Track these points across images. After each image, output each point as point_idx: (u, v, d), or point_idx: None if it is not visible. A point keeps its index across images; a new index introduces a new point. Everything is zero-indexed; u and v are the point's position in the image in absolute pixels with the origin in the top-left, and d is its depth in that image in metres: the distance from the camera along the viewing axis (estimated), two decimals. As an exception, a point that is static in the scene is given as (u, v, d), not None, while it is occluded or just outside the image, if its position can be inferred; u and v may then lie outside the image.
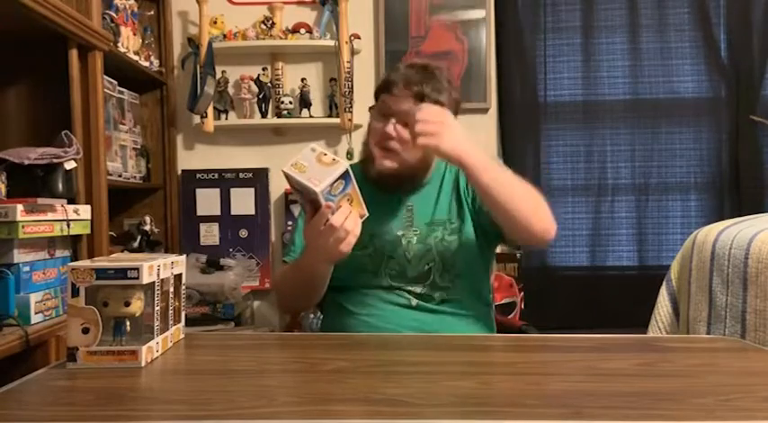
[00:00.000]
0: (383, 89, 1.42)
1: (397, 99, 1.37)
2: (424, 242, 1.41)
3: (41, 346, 1.30)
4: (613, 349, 1.05)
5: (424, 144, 1.23)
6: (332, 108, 2.71)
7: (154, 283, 0.92)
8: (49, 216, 1.35)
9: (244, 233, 2.71)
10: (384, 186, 1.41)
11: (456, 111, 1.40)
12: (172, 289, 1.01)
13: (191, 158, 2.77)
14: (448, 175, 1.48)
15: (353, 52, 2.68)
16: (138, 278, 0.87)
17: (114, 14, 2.18)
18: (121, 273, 0.87)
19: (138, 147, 2.45)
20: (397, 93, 1.37)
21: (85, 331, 0.87)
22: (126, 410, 0.74)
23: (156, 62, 2.57)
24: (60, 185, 1.42)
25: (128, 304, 0.89)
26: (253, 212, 2.71)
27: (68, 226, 1.40)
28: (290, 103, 2.68)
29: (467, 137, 1.24)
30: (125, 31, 2.26)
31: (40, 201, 1.33)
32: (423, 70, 1.40)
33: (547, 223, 1.34)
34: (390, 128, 1.36)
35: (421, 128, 1.21)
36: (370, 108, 1.46)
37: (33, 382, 0.85)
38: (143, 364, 0.88)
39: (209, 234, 2.71)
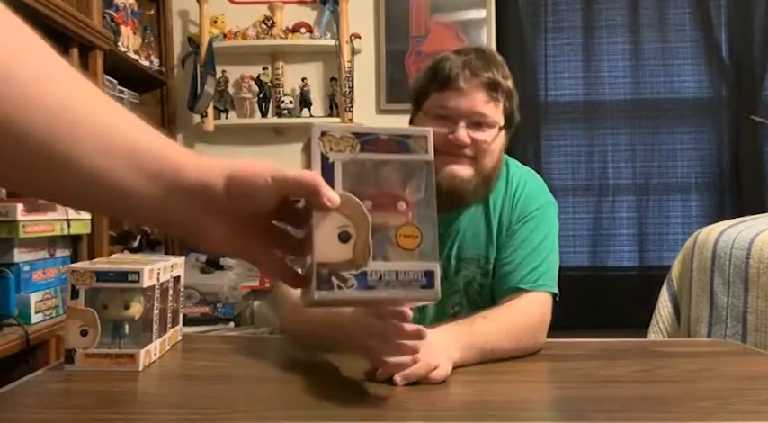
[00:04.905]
0: (439, 84, 1.11)
1: (463, 94, 1.08)
2: (451, 280, 1.16)
3: (42, 345, 1.31)
4: (614, 355, 1.05)
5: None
6: (332, 108, 2.71)
7: (154, 286, 0.92)
8: (50, 215, 1.35)
9: (244, 233, 2.70)
10: (454, 200, 1.10)
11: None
12: (171, 291, 1.00)
13: (191, 158, 2.76)
14: (492, 200, 1.18)
15: (354, 52, 2.67)
16: (138, 281, 0.87)
17: (114, 14, 2.18)
18: (122, 276, 0.87)
19: (139, 146, 2.45)
20: (464, 85, 1.08)
21: (84, 333, 0.87)
22: (123, 414, 0.74)
23: (156, 61, 2.57)
24: (60, 185, 1.42)
25: (127, 307, 0.88)
26: (253, 212, 2.71)
27: (68, 225, 1.40)
28: (291, 102, 2.68)
29: (446, 341, 0.91)
30: (125, 31, 2.26)
31: (41, 200, 1.33)
32: (482, 54, 1.13)
33: (535, 346, 1.04)
34: (463, 133, 1.08)
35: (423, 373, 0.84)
36: (418, 109, 1.16)
37: (30, 384, 0.85)
38: (141, 367, 0.88)
39: (210, 233, 2.70)
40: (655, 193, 2.69)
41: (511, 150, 2.64)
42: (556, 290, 1.12)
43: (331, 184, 0.52)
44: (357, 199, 0.53)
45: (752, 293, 1.51)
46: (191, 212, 0.50)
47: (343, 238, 0.52)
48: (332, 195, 0.51)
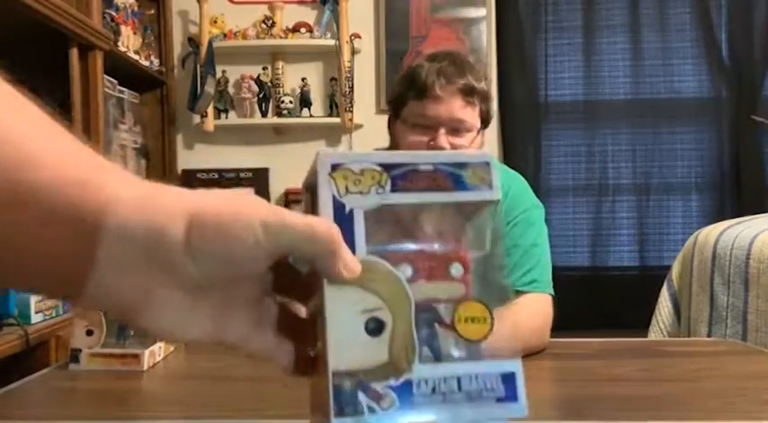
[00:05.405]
0: (416, 92, 1.12)
1: (440, 101, 1.10)
2: None
3: (42, 345, 1.31)
4: (615, 354, 1.05)
5: None
6: (332, 107, 2.71)
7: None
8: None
9: (244, 233, 2.70)
10: None
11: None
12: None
13: (191, 158, 2.76)
14: None
15: (354, 52, 2.67)
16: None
17: (114, 14, 2.17)
18: None
19: (138, 146, 2.45)
20: (440, 92, 1.09)
21: (89, 333, 0.88)
22: (127, 413, 0.74)
23: (156, 61, 2.57)
24: (61, 186, 1.42)
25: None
26: (253, 212, 2.71)
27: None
28: (291, 102, 2.68)
29: None
30: (125, 31, 2.26)
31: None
32: (456, 59, 1.14)
33: (540, 346, 1.05)
34: (444, 141, 1.10)
35: None
36: (395, 118, 1.18)
37: (36, 382, 0.85)
38: (145, 367, 0.88)
39: (210, 233, 2.70)
40: (655, 193, 2.69)
41: (511, 150, 2.68)
42: (552, 292, 1.13)
43: (350, 243, 0.34)
44: (389, 265, 0.35)
45: (752, 293, 1.51)
46: (126, 277, 0.31)
47: (373, 328, 0.34)
48: (350, 260, 0.34)
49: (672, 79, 2.68)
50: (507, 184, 1.21)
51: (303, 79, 2.70)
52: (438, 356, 0.35)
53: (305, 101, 2.68)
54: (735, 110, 2.65)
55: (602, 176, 2.70)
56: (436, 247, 0.37)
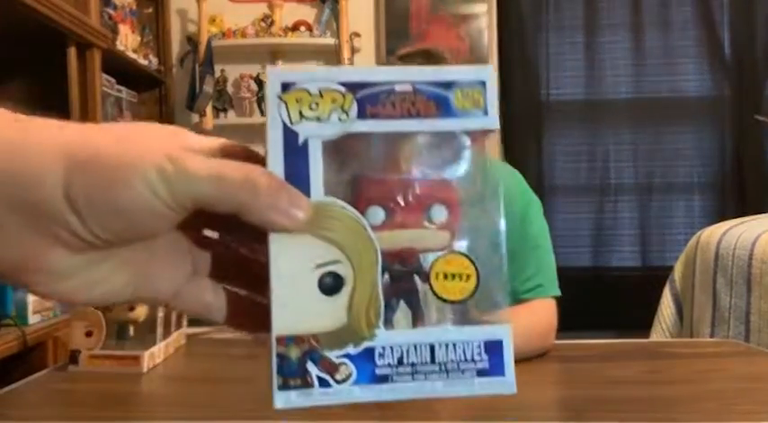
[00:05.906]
0: None
1: None
2: None
3: (39, 346, 1.30)
4: (619, 356, 1.04)
5: None
6: (332, 107, 2.70)
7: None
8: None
9: (243, 232, 2.70)
10: None
11: None
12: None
13: (190, 157, 2.75)
14: None
15: (354, 50, 2.66)
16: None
17: (113, 12, 2.17)
18: None
19: (137, 145, 2.44)
20: None
21: (89, 334, 0.87)
22: (126, 414, 0.74)
23: (154, 60, 2.56)
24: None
25: (132, 309, 0.88)
26: (252, 211, 2.70)
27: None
28: (290, 101, 2.67)
29: None
30: (123, 29, 2.25)
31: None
32: (427, 55, 1.11)
33: (543, 349, 1.03)
34: None
35: None
36: None
37: (35, 383, 0.85)
38: (145, 369, 0.87)
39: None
40: (657, 192, 2.68)
41: (512, 149, 2.67)
42: (558, 292, 1.12)
43: (303, 181, 0.28)
44: (353, 208, 0.28)
45: (755, 294, 1.51)
46: None
47: (329, 285, 0.28)
48: (294, 204, 0.27)
49: (674, 78, 2.68)
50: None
51: (303, 78, 2.69)
52: (408, 320, 0.29)
53: (304, 100, 2.68)
54: (737, 109, 2.64)
55: (604, 176, 2.69)
56: (415, 186, 0.30)
